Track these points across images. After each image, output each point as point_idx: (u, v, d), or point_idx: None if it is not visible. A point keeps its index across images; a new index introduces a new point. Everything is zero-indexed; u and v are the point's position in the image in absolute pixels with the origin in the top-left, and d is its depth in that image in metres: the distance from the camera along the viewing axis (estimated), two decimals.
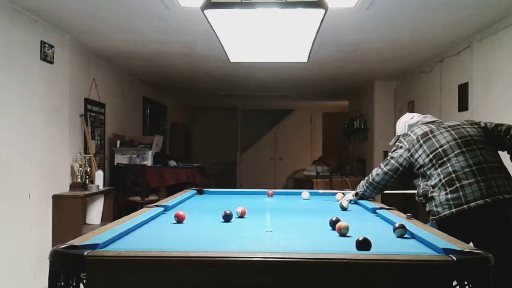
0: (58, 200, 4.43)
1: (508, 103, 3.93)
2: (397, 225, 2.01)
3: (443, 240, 1.76)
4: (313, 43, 2.96)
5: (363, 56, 5.51)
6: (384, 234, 2.06)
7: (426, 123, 2.78)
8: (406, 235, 1.98)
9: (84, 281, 1.48)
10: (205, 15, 2.36)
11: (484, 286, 1.45)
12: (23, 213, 3.93)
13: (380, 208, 2.69)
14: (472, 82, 4.59)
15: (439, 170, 2.52)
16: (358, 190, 3.04)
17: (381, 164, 2.82)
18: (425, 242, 1.80)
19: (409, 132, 2.78)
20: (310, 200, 3.50)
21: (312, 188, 6.79)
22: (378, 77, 7.15)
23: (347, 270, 1.47)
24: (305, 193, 3.59)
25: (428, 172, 2.57)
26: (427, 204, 2.58)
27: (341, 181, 7.11)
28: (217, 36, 2.82)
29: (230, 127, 12.30)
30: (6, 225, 3.69)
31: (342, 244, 1.86)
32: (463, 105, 4.75)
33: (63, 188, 4.65)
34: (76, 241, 1.64)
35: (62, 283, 1.47)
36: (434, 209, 2.49)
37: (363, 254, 1.57)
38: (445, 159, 2.52)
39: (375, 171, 2.85)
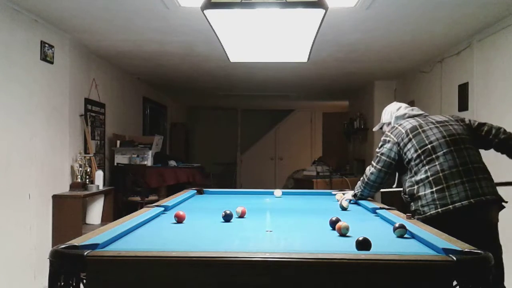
0: (58, 200, 4.43)
1: (509, 103, 3.93)
2: (397, 225, 2.01)
3: (443, 240, 1.76)
4: (313, 43, 2.96)
5: (363, 56, 5.51)
6: (384, 234, 2.05)
7: (413, 117, 2.79)
8: (406, 235, 1.97)
9: (84, 281, 1.48)
10: (205, 15, 2.36)
11: (484, 286, 1.45)
12: (23, 213, 3.93)
13: (380, 208, 2.68)
14: (472, 82, 4.59)
15: (426, 167, 2.56)
16: (356, 191, 3.05)
17: (372, 162, 2.83)
18: (425, 242, 1.80)
19: (395, 125, 2.79)
20: (310, 200, 3.50)
21: (312, 188, 6.80)
22: (378, 77, 7.14)
23: (347, 270, 1.47)
24: (278, 191, 3.63)
25: (415, 168, 2.60)
26: (412, 203, 2.64)
27: (341, 181, 7.12)
28: (217, 36, 2.82)
29: (230, 127, 12.30)
30: (6, 225, 3.69)
31: (342, 244, 1.86)
32: (463, 105, 4.75)
33: (63, 188, 4.65)
34: (76, 241, 1.64)
35: (62, 283, 1.47)
36: (420, 208, 2.56)
37: (363, 254, 1.57)
38: (433, 156, 2.56)
39: (368, 170, 2.86)
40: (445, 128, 2.65)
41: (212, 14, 2.37)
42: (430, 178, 2.53)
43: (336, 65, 6.10)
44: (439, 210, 2.47)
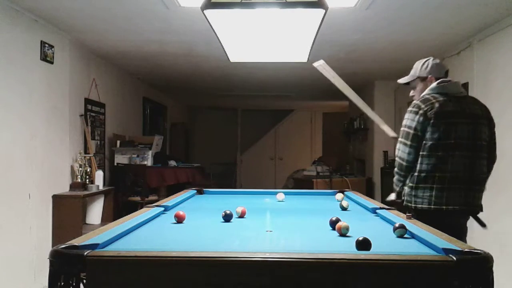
0: (58, 200, 4.43)
1: (508, 102, 3.93)
2: (397, 225, 2.01)
3: (443, 240, 1.76)
4: (313, 43, 2.96)
5: (363, 56, 5.51)
6: (384, 234, 2.05)
7: (453, 96, 2.65)
8: (406, 235, 1.97)
9: (84, 281, 1.48)
10: (205, 15, 2.36)
11: (484, 286, 1.45)
12: (23, 213, 3.93)
13: (380, 208, 2.68)
14: (472, 82, 4.59)
15: (438, 159, 2.58)
16: (398, 189, 2.82)
17: (405, 141, 2.65)
18: (425, 242, 1.80)
19: (431, 97, 2.63)
20: (310, 200, 3.50)
21: (312, 188, 6.80)
22: (378, 77, 7.14)
23: (347, 270, 1.47)
24: (280, 195, 3.42)
25: (428, 152, 2.60)
26: (406, 187, 2.72)
27: (341, 181, 7.11)
28: (217, 36, 2.82)
29: (230, 127, 12.30)
30: (6, 225, 3.69)
31: (342, 244, 1.86)
32: None
33: (63, 188, 4.65)
34: (76, 241, 1.64)
35: (62, 283, 1.47)
36: (413, 198, 2.66)
37: (363, 254, 1.57)
38: (450, 153, 2.58)
39: (403, 153, 2.67)
40: (475, 128, 2.62)
41: (212, 14, 2.37)
42: (436, 174, 2.58)
43: (336, 65, 6.05)
44: (432, 206, 2.57)
